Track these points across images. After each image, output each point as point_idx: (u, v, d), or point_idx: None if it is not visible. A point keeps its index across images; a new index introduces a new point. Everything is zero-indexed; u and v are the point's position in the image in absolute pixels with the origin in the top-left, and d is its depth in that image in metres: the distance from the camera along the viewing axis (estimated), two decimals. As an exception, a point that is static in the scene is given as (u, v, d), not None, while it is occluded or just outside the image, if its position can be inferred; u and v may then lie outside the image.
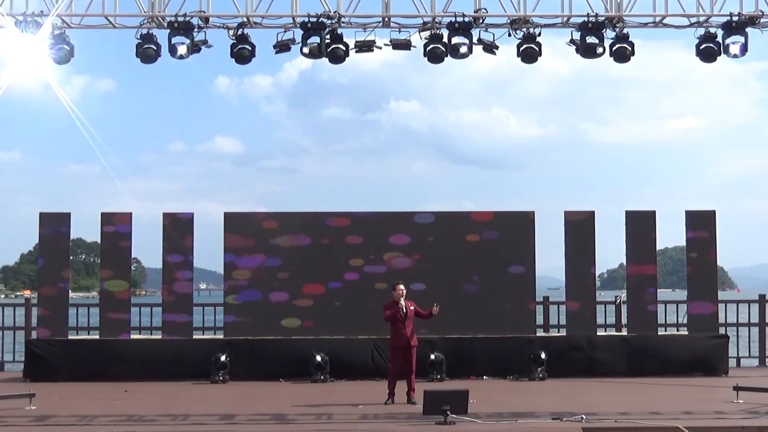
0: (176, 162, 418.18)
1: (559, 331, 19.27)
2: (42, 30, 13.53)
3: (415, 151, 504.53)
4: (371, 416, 12.86)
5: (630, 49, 13.74)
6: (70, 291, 18.57)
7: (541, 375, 16.88)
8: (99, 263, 20.06)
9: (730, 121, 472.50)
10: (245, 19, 13.74)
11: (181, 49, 13.46)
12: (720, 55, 13.75)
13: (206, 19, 13.76)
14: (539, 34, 13.80)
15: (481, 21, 13.81)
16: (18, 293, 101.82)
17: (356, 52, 13.93)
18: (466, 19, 13.54)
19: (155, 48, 13.66)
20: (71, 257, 18.94)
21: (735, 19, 13.51)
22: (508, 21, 13.86)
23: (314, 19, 13.50)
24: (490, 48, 13.91)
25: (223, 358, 16.89)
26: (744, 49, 13.63)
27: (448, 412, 11.75)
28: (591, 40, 13.59)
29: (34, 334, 18.20)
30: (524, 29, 13.79)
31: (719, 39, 13.68)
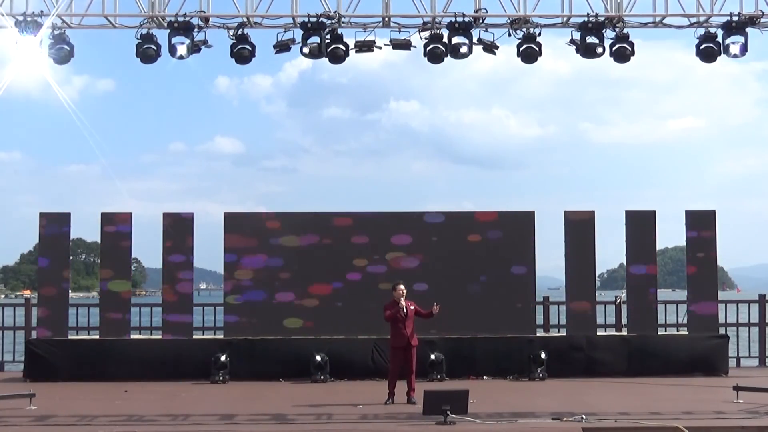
0: (176, 162, 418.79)
1: (559, 331, 19.27)
2: (42, 30, 13.54)
3: (415, 151, 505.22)
4: (371, 416, 12.86)
5: (630, 49, 13.74)
6: (70, 291, 18.57)
7: (541, 375, 16.87)
8: (99, 263, 20.05)
9: (730, 121, 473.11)
10: (245, 19, 13.74)
11: (181, 49, 13.45)
12: (720, 55, 13.75)
13: (206, 19, 13.76)
14: (539, 34, 13.79)
15: (481, 21, 13.81)
16: (18, 293, 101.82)
17: (356, 52, 13.93)
18: (466, 19, 13.53)
19: (155, 48, 13.66)
20: (71, 257, 18.93)
21: (735, 19, 13.51)
22: (508, 21, 13.86)
23: (314, 19, 13.50)
24: (490, 48, 13.91)
25: (223, 358, 16.89)
26: (744, 49, 13.63)
27: (448, 412, 11.75)
28: (591, 40, 13.59)
29: (34, 334, 18.19)
30: (524, 29, 13.79)
31: (719, 39, 13.68)
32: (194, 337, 18.02)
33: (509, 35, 13.91)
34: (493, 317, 17.55)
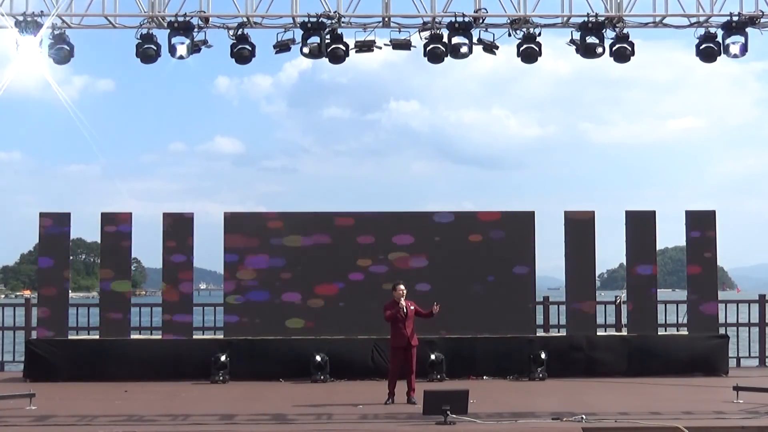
0: (176, 162, 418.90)
1: (559, 331, 19.27)
2: (42, 30, 13.54)
3: (415, 151, 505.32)
4: (371, 416, 12.86)
5: (630, 49, 13.74)
6: (70, 291, 18.57)
7: (541, 375, 16.87)
8: (99, 263, 20.05)
9: (730, 121, 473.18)
10: (245, 19, 13.74)
11: (181, 49, 13.45)
12: (720, 55, 13.75)
13: (206, 19, 13.76)
14: (539, 34, 13.79)
15: (481, 21, 13.80)
16: (18, 293, 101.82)
17: (356, 52, 13.93)
18: (466, 19, 13.53)
19: (155, 48, 13.66)
20: (71, 257, 18.93)
21: (735, 19, 13.51)
22: (508, 21, 13.86)
23: (314, 19, 13.49)
24: (490, 48, 13.91)
25: (223, 358, 16.89)
26: (744, 49, 13.63)
27: (448, 412, 11.75)
28: (591, 40, 13.59)
29: (34, 334, 18.19)
30: (524, 29, 13.79)
31: (719, 39, 13.68)
32: (194, 337, 18.02)
33: (509, 35, 13.91)
34: (497, 317, 17.54)
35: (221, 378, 16.71)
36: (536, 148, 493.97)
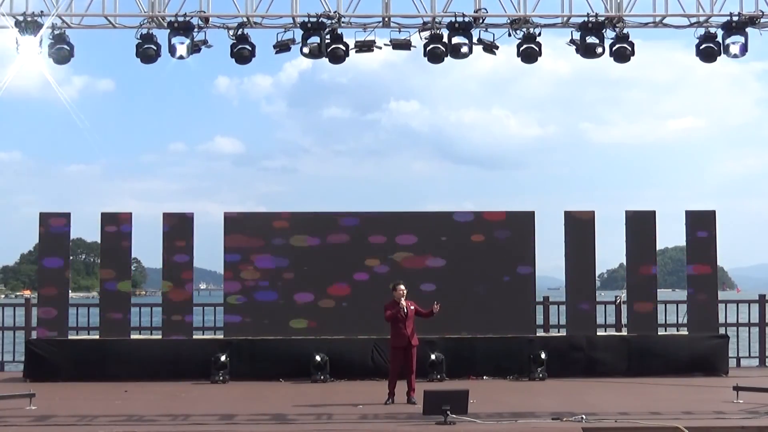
0: (176, 162, 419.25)
1: (559, 331, 19.27)
2: (42, 30, 13.54)
3: (415, 151, 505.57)
4: (371, 416, 12.86)
5: (630, 49, 13.74)
6: (70, 291, 18.56)
7: (541, 375, 16.87)
8: (99, 263, 20.03)
9: (730, 121, 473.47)
10: (245, 19, 13.74)
11: (181, 49, 13.45)
12: (720, 55, 13.76)
13: (206, 19, 13.76)
14: (539, 34, 13.79)
15: (481, 21, 13.80)
16: (18, 293, 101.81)
17: (356, 52, 13.93)
18: (466, 19, 13.53)
19: (155, 48, 13.66)
20: (71, 257, 18.92)
21: (735, 19, 13.51)
22: (508, 21, 13.86)
23: (314, 19, 13.49)
24: (490, 48, 13.91)
25: (223, 358, 16.89)
26: (744, 49, 13.64)
27: (448, 412, 11.75)
28: (591, 40, 13.59)
29: (34, 334, 18.18)
30: (524, 29, 13.79)
31: (719, 39, 13.68)
32: (194, 337, 18.02)
33: (509, 35, 13.91)
34: (499, 318, 17.54)
35: (221, 378, 16.71)
36: (536, 148, 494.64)
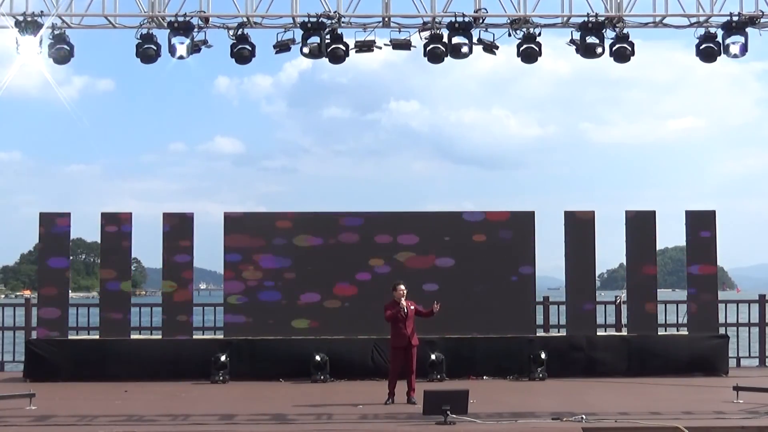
0: (176, 162, 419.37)
1: (559, 331, 19.27)
2: (42, 30, 13.55)
3: (415, 151, 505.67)
4: (371, 416, 12.86)
5: (630, 49, 13.74)
6: (70, 291, 18.56)
7: (541, 375, 16.87)
8: (99, 263, 20.03)
9: (730, 121, 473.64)
10: (245, 19, 13.74)
11: (181, 49, 13.45)
12: (720, 55, 13.76)
13: (206, 19, 13.76)
14: (539, 34, 13.79)
15: (481, 21, 13.81)
16: (18, 293, 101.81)
17: (356, 52, 13.93)
18: (466, 19, 13.53)
19: (155, 48, 13.66)
20: (71, 257, 18.92)
21: (735, 19, 13.51)
22: (508, 21, 13.86)
23: (314, 19, 13.49)
24: (490, 48, 13.91)
25: (223, 358, 16.89)
26: (744, 49, 13.64)
27: (448, 412, 11.75)
28: (591, 40, 13.59)
29: (34, 334, 18.18)
30: (524, 29, 13.79)
31: (719, 39, 13.68)
32: (194, 337, 18.01)
33: (509, 35, 13.91)
34: (503, 317, 17.54)
35: (221, 378, 16.71)
36: (536, 148, 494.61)
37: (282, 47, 13.86)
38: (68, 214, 18.08)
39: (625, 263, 18.66)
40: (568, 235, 17.95)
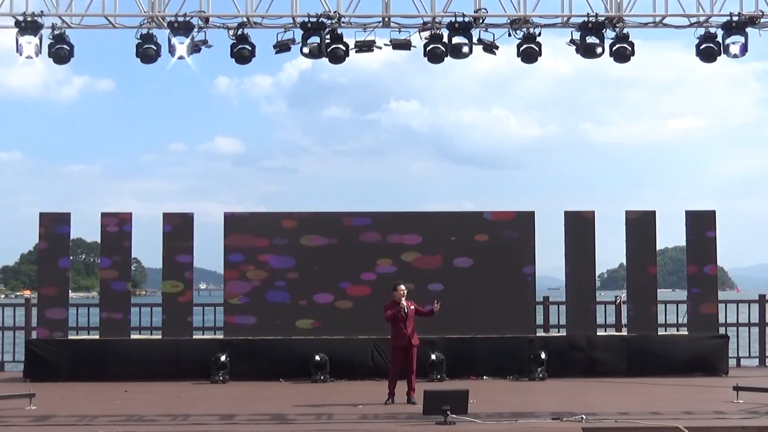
0: (176, 162, 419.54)
1: (559, 331, 19.27)
2: (42, 30, 13.55)
3: (415, 151, 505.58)
4: (371, 416, 12.86)
5: (630, 49, 13.75)
6: (70, 291, 18.56)
7: (541, 375, 16.87)
8: (99, 263, 20.04)
9: (730, 121, 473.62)
10: (245, 19, 13.75)
11: (181, 49, 13.46)
12: (720, 55, 13.76)
13: (206, 19, 13.77)
14: (539, 34, 13.80)
15: (481, 21, 13.81)
16: (18, 293, 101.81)
17: (356, 52, 13.93)
18: (466, 19, 13.54)
19: (155, 48, 13.67)
20: (71, 257, 18.92)
21: (735, 19, 13.52)
22: (508, 21, 13.87)
23: (314, 19, 13.50)
24: (490, 48, 13.92)
25: (223, 358, 16.88)
26: (744, 49, 13.64)
27: (448, 412, 11.75)
28: (591, 40, 13.59)
29: (34, 334, 18.18)
30: (524, 29, 13.79)
31: (719, 39, 13.69)
32: (194, 337, 18.01)
33: (509, 35, 13.92)
34: (504, 318, 17.54)
35: (221, 378, 16.71)
36: (536, 148, 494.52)
37: (282, 47, 13.86)
38: (68, 214, 18.08)
39: (625, 263, 18.66)
40: (568, 235, 17.95)
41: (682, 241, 18.40)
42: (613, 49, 13.72)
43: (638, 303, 17.87)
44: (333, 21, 13.61)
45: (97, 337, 17.99)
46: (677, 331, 18.86)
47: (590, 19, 13.55)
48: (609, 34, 13.72)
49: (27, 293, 75.94)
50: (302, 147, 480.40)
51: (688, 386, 15.98)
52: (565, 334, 18.38)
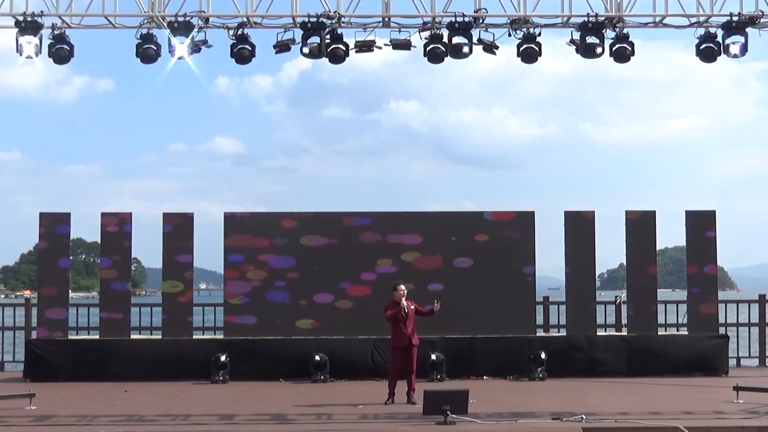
0: (176, 162, 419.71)
1: (559, 331, 19.27)
2: (42, 30, 13.55)
3: (415, 151, 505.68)
4: (371, 416, 12.86)
5: (630, 49, 13.75)
6: (70, 291, 18.56)
7: (541, 375, 16.87)
8: (99, 263, 20.05)
9: (730, 121, 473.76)
10: (245, 19, 13.75)
11: (181, 49, 13.46)
12: (720, 55, 13.77)
13: (206, 19, 13.77)
14: (539, 34, 13.81)
15: (481, 21, 13.81)
16: (18, 293, 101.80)
17: (356, 52, 13.94)
18: (466, 19, 13.54)
19: (155, 48, 13.67)
20: (71, 257, 18.92)
21: (735, 19, 13.52)
22: (508, 21, 13.87)
23: (314, 19, 13.50)
24: (490, 48, 13.92)
25: (223, 358, 16.88)
26: (744, 49, 13.65)
27: (448, 412, 11.75)
28: (591, 40, 13.60)
29: (34, 334, 18.18)
30: (524, 29, 13.79)
31: (719, 39, 13.69)
32: (194, 337, 18.01)
33: (509, 35, 13.93)
34: (506, 317, 17.54)
35: (221, 378, 16.71)
36: (536, 148, 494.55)
37: (282, 47, 13.87)
38: (68, 214, 18.08)
39: (625, 263, 18.65)
40: (568, 235, 17.95)
41: (682, 241, 18.40)
42: (613, 49, 13.72)
43: (638, 303, 17.87)
44: (333, 21, 13.61)
45: (97, 337, 17.99)
46: (677, 331, 18.86)
47: (590, 19, 13.55)
48: (609, 34, 13.73)
49: (27, 293, 75.91)
50: (302, 147, 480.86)
51: (688, 386, 15.98)
52: (565, 334, 18.38)
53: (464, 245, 17.84)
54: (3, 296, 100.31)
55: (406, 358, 14.00)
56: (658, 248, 18.70)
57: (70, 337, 18.02)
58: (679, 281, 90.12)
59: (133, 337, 18.19)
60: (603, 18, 13.61)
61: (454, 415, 11.79)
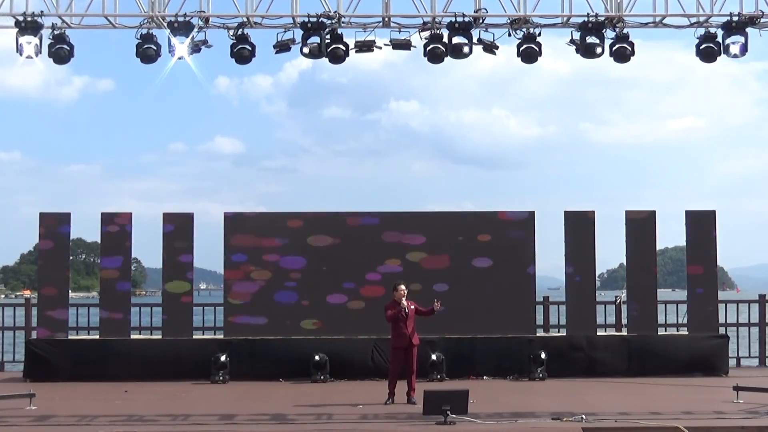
0: (176, 162, 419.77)
1: (559, 331, 19.27)
2: (42, 30, 13.55)
3: (415, 151, 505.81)
4: (371, 416, 12.86)
5: (630, 49, 13.75)
6: (70, 291, 18.56)
7: (541, 375, 16.87)
8: (99, 263, 20.04)
9: (730, 121, 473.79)
10: (245, 19, 13.75)
11: (181, 49, 13.46)
12: (720, 55, 13.76)
13: (206, 19, 13.77)
14: (539, 34, 13.80)
15: (481, 21, 13.81)
16: (18, 293, 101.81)
17: (356, 52, 13.93)
18: (466, 19, 13.54)
19: (155, 48, 13.67)
20: (71, 257, 18.92)
21: (735, 19, 13.52)
22: (508, 21, 13.87)
23: (314, 19, 13.50)
24: (490, 48, 13.92)
25: (223, 358, 16.88)
26: (744, 49, 13.64)
27: (448, 412, 11.75)
28: (591, 40, 13.60)
29: (34, 334, 18.18)
30: (524, 29, 13.79)
31: (719, 39, 13.69)
32: (194, 337, 18.01)
33: (509, 35, 13.93)
34: (507, 317, 17.54)
35: (221, 378, 16.71)
36: (536, 148, 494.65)
37: (282, 47, 13.86)
38: (68, 214, 18.08)
39: (625, 263, 18.65)
40: (568, 235, 17.95)
41: (682, 241, 18.40)
42: (613, 49, 13.72)
43: (638, 303, 17.87)
44: (333, 21, 13.61)
45: (98, 337, 17.99)
46: (677, 331, 18.85)
47: (590, 19, 13.55)
48: (609, 34, 13.73)
49: (27, 293, 75.90)
50: (302, 147, 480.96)
51: (688, 386, 15.98)
52: (565, 334, 18.38)
53: (470, 245, 17.80)
54: (3, 296, 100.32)
55: (406, 358, 14.00)
56: (658, 248, 18.70)
57: (70, 337, 18.02)
58: (679, 281, 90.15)
59: (133, 337, 18.19)
60: (603, 18, 13.61)
61: (454, 415, 11.79)
